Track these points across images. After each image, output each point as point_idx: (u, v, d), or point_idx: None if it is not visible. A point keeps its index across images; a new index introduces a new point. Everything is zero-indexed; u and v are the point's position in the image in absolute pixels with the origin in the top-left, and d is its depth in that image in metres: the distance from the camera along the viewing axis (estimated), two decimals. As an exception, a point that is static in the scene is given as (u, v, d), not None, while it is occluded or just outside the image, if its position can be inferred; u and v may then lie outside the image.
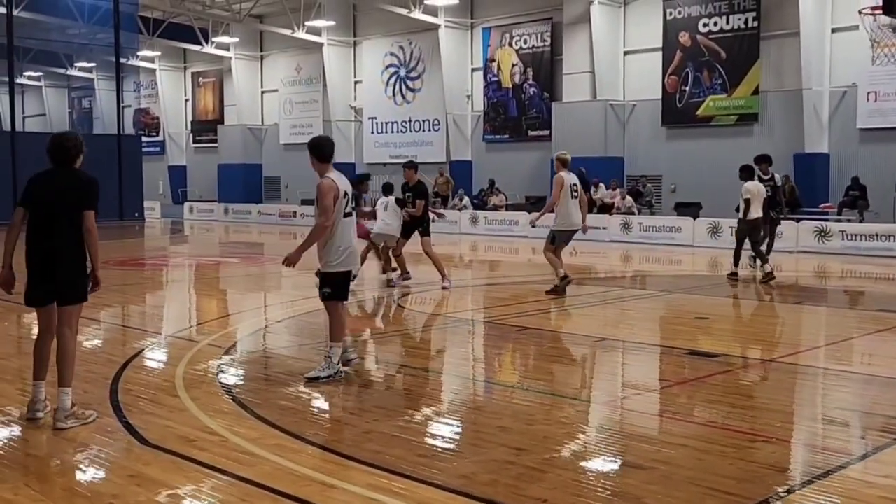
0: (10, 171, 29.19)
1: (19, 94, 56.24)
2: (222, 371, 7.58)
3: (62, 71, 49.63)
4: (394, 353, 8.67)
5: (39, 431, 5.73)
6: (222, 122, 42.38)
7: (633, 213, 24.77)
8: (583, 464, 5.26)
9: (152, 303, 13.32)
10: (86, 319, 6.10)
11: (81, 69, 48.69)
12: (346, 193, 7.15)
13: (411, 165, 13.60)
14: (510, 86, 30.65)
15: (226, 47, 39.55)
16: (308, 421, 6.18)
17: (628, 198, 25.67)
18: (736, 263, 14.24)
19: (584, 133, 27.28)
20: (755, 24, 24.78)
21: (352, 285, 7.75)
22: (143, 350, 8.63)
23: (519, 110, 30.54)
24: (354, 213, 7.41)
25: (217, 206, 37.41)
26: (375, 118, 35.33)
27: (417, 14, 30.38)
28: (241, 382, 7.33)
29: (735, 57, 25.20)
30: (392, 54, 34.47)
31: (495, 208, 28.17)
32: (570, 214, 12.13)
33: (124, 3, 34.79)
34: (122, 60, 36.64)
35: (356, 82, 36.49)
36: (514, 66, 30.46)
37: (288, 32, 34.77)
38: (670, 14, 26.46)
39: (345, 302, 7.46)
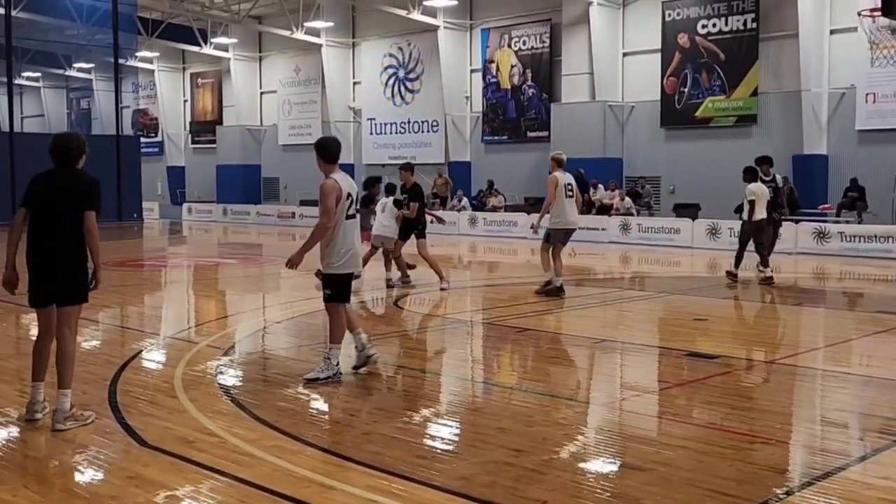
0: (9, 172, 29.18)
1: (18, 95, 56.16)
2: (221, 372, 7.57)
3: (60, 71, 49.60)
4: (393, 355, 8.66)
5: (38, 433, 5.73)
6: (221, 123, 42.37)
7: (631, 215, 24.77)
8: (582, 465, 5.25)
9: (151, 304, 13.31)
10: (84, 320, 6.09)
11: (80, 70, 48.66)
12: (349, 195, 7.11)
13: (407, 167, 13.60)
14: (509, 87, 30.65)
15: (224, 48, 39.55)
16: (307, 422, 6.17)
17: (627, 199, 25.67)
18: (737, 264, 14.22)
19: (583, 134, 27.28)
20: (754, 25, 24.79)
21: (354, 285, 7.72)
22: (142, 351, 8.63)
23: (518, 111, 30.54)
24: (359, 216, 7.36)
25: (216, 207, 37.39)
26: (374, 119, 35.33)
27: (416, 15, 30.38)
28: (240, 383, 7.32)
29: (734, 58, 25.21)
30: (391, 55, 34.46)
31: (494, 209, 28.17)
32: (565, 213, 12.18)
33: (123, 4, 34.78)
34: (121, 61, 36.62)
35: (355, 83, 36.49)
36: (512, 67, 30.46)
37: (287, 33, 34.76)
38: (669, 15, 26.47)
39: (347, 304, 7.42)
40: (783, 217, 15.51)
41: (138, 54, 41.82)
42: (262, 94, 40.82)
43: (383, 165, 32.83)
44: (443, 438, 5.79)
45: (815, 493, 4.65)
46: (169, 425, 5.85)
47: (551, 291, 12.20)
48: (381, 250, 13.53)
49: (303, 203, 34.36)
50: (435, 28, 31.24)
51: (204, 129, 43.77)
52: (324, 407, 6.61)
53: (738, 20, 25.09)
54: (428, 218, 13.78)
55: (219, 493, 4.67)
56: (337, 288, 7.18)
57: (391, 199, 13.39)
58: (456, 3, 29.80)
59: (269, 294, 14.35)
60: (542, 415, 6.30)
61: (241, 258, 20.47)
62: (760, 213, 13.88)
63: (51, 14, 37.33)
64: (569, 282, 13.20)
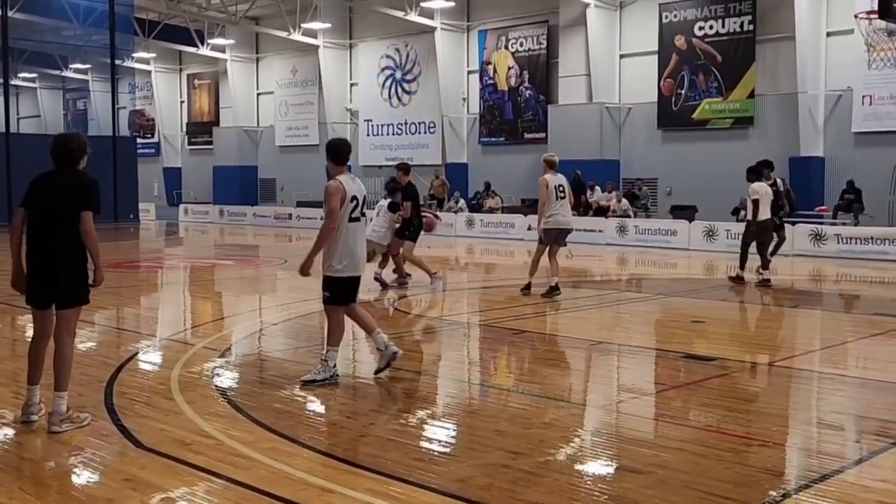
0: (5, 173, 29.17)
1: (14, 96, 56.16)
2: (217, 374, 7.56)
3: (57, 72, 49.54)
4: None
5: (34, 435, 5.71)
6: (218, 124, 42.35)
7: (628, 216, 24.79)
8: (579, 468, 5.25)
9: (147, 305, 13.28)
10: (80, 321, 6.07)
11: (76, 71, 48.61)
12: (354, 197, 7.07)
13: (401, 167, 13.61)
14: (506, 88, 30.66)
15: (221, 49, 39.53)
16: (304, 424, 6.16)
17: (624, 201, 25.68)
18: (742, 265, 14.18)
19: (580, 136, 27.31)
20: (751, 27, 24.82)
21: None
22: (138, 353, 8.61)
23: (515, 113, 30.55)
24: (363, 218, 7.32)
25: (212, 209, 37.37)
26: (371, 120, 35.32)
27: (413, 17, 30.38)
28: (237, 385, 7.31)
29: (731, 60, 25.24)
30: (388, 56, 34.47)
31: (491, 211, 28.18)
32: (557, 214, 12.25)
33: (119, 5, 34.74)
34: (118, 62, 36.62)
35: (352, 84, 36.48)
36: (509, 68, 30.47)
37: (284, 34, 34.75)
38: (666, 17, 26.49)
39: (356, 305, 7.36)
40: (784, 218, 15.51)
41: (135, 55, 41.80)
42: (258, 95, 40.80)
43: (380, 167, 32.84)
44: (440, 441, 5.78)
45: (812, 495, 4.65)
46: (165, 427, 5.83)
47: (525, 289, 12.45)
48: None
49: (299, 204, 34.37)
50: (432, 29, 31.24)
51: (200, 130, 43.74)
52: (321, 409, 6.60)
53: (734, 22, 25.12)
54: (423, 220, 13.71)
55: (215, 495, 4.66)
56: (336, 290, 7.14)
57: (387, 201, 13.37)
58: (453, 4, 29.80)
59: (266, 296, 14.32)
60: (540, 417, 6.29)
61: (238, 259, 20.45)
62: (765, 213, 13.86)
63: (47, 15, 37.30)
64: (565, 283, 13.20)
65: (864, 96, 22.84)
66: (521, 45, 30.14)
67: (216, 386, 7.11)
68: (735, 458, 5.29)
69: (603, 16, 27.29)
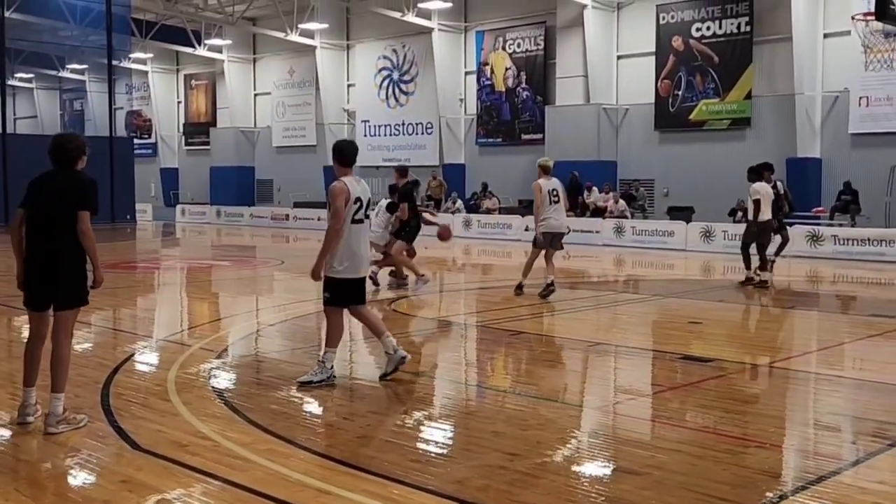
0: (2, 173, 29.13)
1: (10, 96, 56.02)
2: (214, 375, 7.55)
3: (54, 73, 49.48)
4: (385, 357, 8.63)
5: (30, 436, 5.69)
6: (215, 125, 42.31)
7: (625, 217, 24.80)
8: (576, 469, 5.25)
9: (144, 306, 13.26)
10: (77, 322, 6.05)
11: (73, 71, 48.55)
12: (358, 199, 7.05)
13: (399, 170, 13.68)
14: (503, 89, 30.67)
15: (218, 50, 39.50)
16: (301, 426, 6.15)
17: (621, 202, 25.70)
18: (748, 266, 14.15)
19: (578, 137, 27.32)
20: (748, 28, 24.84)
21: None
22: (135, 354, 8.60)
23: (512, 114, 30.55)
24: (367, 221, 7.28)
25: (209, 209, 37.35)
26: (368, 121, 35.31)
27: (411, 17, 30.39)
28: (234, 386, 7.30)
29: (728, 61, 25.27)
30: (385, 57, 34.46)
31: (488, 212, 28.19)
32: (550, 218, 12.35)
33: (117, 5, 34.71)
34: (115, 62, 36.56)
35: (349, 85, 36.46)
36: (507, 69, 30.48)
37: (281, 35, 34.73)
38: (663, 18, 26.51)
39: (362, 306, 7.31)
40: (784, 220, 15.51)
41: (132, 56, 41.77)
42: (255, 95, 40.77)
43: (377, 167, 32.82)
44: (437, 442, 5.78)
45: (809, 497, 4.65)
46: (162, 429, 5.82)
47: (518, 291, 12.54)
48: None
49: (296, 205, 34.39)
50: (429, 30, 31.24)
51: (198, 130, 43.70)
52: (318, 410, 6.59)
53: (731, 23, 25.15)
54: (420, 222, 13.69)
55: (212, 497, 4.66)
56: (336, 292, 7.11)
57: (387, 201, 13.38)
58: (450, 5, 29.79)
59: (263, 297, 14.31)
60: (537, 418, 6.29)
61: (235, 260, 20.44)
62: (766, 214, 13.85)
63: (44, 15, 37.26)
64: (562, 284, 13.20)
65: (860, 98, 22.86)
66: (519, 45, 30.15)
67: (213, 387, 7.10)
68: (732, 459, 5.29)
69: (600, 17, 27.31)
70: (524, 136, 30.16)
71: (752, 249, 14.21)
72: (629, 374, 8.29)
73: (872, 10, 18.41)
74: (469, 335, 10.34)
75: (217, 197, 39.43)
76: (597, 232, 23.89)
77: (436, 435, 5.95)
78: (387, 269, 13.64)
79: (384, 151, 34.26)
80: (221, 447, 5.44)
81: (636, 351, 9.14)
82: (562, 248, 12.86)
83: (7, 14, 32.69)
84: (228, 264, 19.35)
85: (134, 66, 43.95)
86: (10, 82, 52.01)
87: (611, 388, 7.69)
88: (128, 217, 33.95)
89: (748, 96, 25.03)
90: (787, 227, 15.82)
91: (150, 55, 43.10)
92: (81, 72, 48.14)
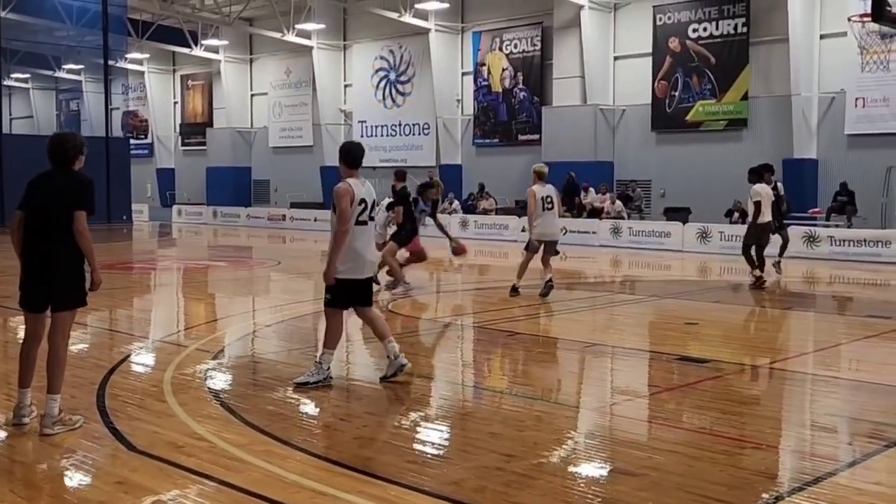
0: (-2, 174, 29.03)
1: (6, 97, 55.90)
2: (210, 376, 7.54)
3: (50, 73, 49.42)
4: (383, 359, 8.63)
5: (25, 437, 5.68)
6: (211, 125, 42.28)
7: (622, 218, 24.80)
8: (573, 470, 5.24)
9: (140, 307, 13.25)
10: (73, 323, 6.03)
11: (69, 71, 48.47)
12: (363, 200, 7.04)
13: (397, 173, 13.73)
14: (500, 90, 30.67)
15: (215, 50, 39.47)
16: (297, 427, 6.14)
17: (618, 202, 25.71)
18: (753, 268, 14.11)
19: (574, 137, 27.33)
20: (744, 29, 24.87)
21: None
22: (131, 355, 8.59)
23: (509, 114, 30.56)
24: (371, 223, 7.25)
25: (205, 210, 37.30)
26: (365, 122, 35.30)
27: (408, 18, 30.38)
28: (230, 387, 7.29)
29: (724, 62, 25.28)
30: (382, 58, 34.45)
31: (485, 212, 28.18)
32: (542, 225, 12.40)
33: (113, 6, 34.69)
34: (111, 63, 36.51)
35: (346, 86, 36.45)
36: (504, 70, 30.48)
37: (277, 35, 34.70)
38: (660, 19, 26.53)
39: (369, 308, 7.30)
40: (784, 221, 15.51)
41: (128, 56, 41.69)
42: (252, 96, 40.75)
43: (374, 168, 32.78)
44: (433, 443, 5.77)
45: (805, 498, 4.65)
46: (157, 430, 5.81)
47: (513, 291, 12.55)
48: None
49: (293, 206, 34.37)
50: (426, 31, 31.24)
51: (194, 131, 43.68)
52: (314, 411, 6.58)
53: (728, 24, 25.17)
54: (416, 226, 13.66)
55: (208, 498, 4.64)
56: (337, 293, 7.08)
57: (388, 201, 13.39)
58: (447, 6, 29.78)
59: (259, 297, 14.30)
60: (533, 419, 6.28)
61: (231, 261, 20.41)
62: (767, 216, 13.84)
63: (40, 15, 37.16)
64: (559, 285, 13.18)
65: (857, 99, 22.89)
66: (516, 46, 30.15)
67: (209, 388, 7.09)
68: (729, 460, 5.29)
69: (597, 17, 27.32)
70: (521, 137, 30.17)
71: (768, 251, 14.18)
72: (626, 375, 8.29)
73: (869, 11, 18.41)
74: (465, 336, 10.34)
75: (213, 197, 39.38)
76: (593, 233, 23.89)
77: (432, 436, 5.94)
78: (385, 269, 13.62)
79: (381, 152, 34.22)
80: (217, 448, 5.43)
81: (633, 352, 9.14)
82: (556, 252, 12.91)
83: (3, 14, 32.67)
84: (225, 265, 19.33)
85: (130, 66, 43.88)
86: (6, 82, 51.89)
87: (607, 389, 7.69)
88: (124, 218, 33.89)
89: (745, 97, 25.05)
90: (785, 229, 15.82)
91: (147, 55, 43.06)
92: (78, 72, 48.08)
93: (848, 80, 22.93)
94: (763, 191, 13.88)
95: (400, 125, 34.13)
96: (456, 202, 29.31)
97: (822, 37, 23.59)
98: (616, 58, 27.82)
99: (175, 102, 45.20)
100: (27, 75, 51.70)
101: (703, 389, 7.22)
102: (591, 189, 26.49)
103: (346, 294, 7.10)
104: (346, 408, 6.70)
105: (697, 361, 8.28)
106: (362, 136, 35.06)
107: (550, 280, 12.37)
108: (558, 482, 4.93)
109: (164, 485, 4.80)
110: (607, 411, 6.73)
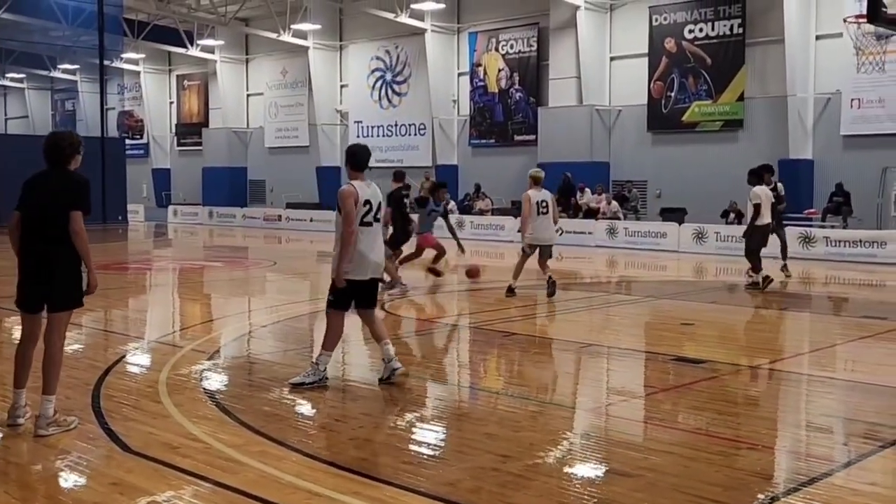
0: (-7, 173, 28.92)
1: (2, 97, 56.01)
2: (206, 377, 7.52)
3: (45, 73, 49.30)
4: (379, 359, 8.62)
5: (20, 438, 5.66)
6: (207, 126, 42.23)
7: (618, 219, 24.83)
8: (568, 471, 5.24)
9: (135, 307, 13.22)
10: (69, 324, 6.02)
11: (65, 71, 48.38)
12: (367, 202, 7.04)
13: (395, 175, 13.74)
14: (496, 90, 30.68)
15: (211, 50, 39.42)
16: (293, 427, 6.13)
17: (614, 203, 25.74)
18: (756, 269, 14.09)
19: (570, 138, 27.35)
20: (740, 30, 24.91)
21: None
22: (126, 355, 8.57)
23: (505, 115, 30.57)
24: (376, 224, 7.21)
25: (201, 210, 37.28)
26: (361, 122, 35.28)
27: (404, 18, 30.38)
28: (225, 388, 7.27)
29: (720, 63, 25.32)
30: (378, 58, 34.44)
31: (481, 213, 28.20)
32: (536, 230, 12.45)
33: (108, 6, 34.62)
34: (106, 63, 36.48)
35: (342, 86, 36.42)
36: (500, 70, 30.49)
37: (273, 36, 34.68)
38: (656, 20, 26.55)
39: (371, 309, 7.28)
40: (784, 221, 15.51)
41: (124, 56, 41.65)
42: (248, 96, 40.70)
43: (370, 168, 32.73)
44: (429, 444, 5.76)
45: (800, 498, 4.66)
46: (153, 430, 5.80)
47: (510, 292, 12.60)
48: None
49: (289, 206, 34.34)
50: (422, 31, 31.23)
51: (190, 131, 43.62)
52: (310, 412, 6.57)
53: (724, 25, 25.20)
54: (409, 228, 13.64)
55: (203, 499, 4.64)
56: (339, 294, 7.06)
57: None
58: (443, 6, 29.80)
59: (255, 298, 14.28)
60: (529, 420, 6.28)
61: (227, 261, 20.39)
62: (766, 217, 13.83)
63: (35, 15, 37.13)
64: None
65: (852, 99, 22.94)
66: (512, 47, 30.16)
67: (204, 389, 7.08)
68: (724, 461, 5.29)
69: (593, 18, 27.34)
70: (517, 138, 30.18)
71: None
72: (621, 376, 8.29)
73: (864, 12, 18.43)
74: (461, 336, 10.34)
75: (209, 197, 39.34)
76: (589, 233, 23.91)
77: (428, 437, 5.93)
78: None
79: (377, 152, 33.89)
80: (213, 449, 5.42)
81: (628, 352, 9.14)
82: (551, 256, 12.93)
83: (-2, 14, 32.61)
84: (221, 265, 19.31)
85: (126, 66, 43.83)
86: (1, 82, 51.98)
87: (603, 390, 7.69)
88: (119, 218, 33.86)
89: (741, 98, 25.09)
90: (784, 228, 15.82)
91: (143, 55, 43.00)
92: (73, 72, 47.98)
93: (843, 80, 22.98)
94: (762, 193, 13.88)
95: (396, 125, 34.12)
96: (452, 203, 29.27)
97: (817, 38, 23.64)
98: (612, 58, 27.84)
99: (171, 102, 45.13)
100: (23, 75, 51.60)
101: (698, 390, 7.23)
102: (587, 189, 26.51)
103: (349, 295, 7.09)
104: (342, 408, 6.69)
105: (693, 362, 8.28)
106: (358, 137, 35.04)
107: (551, 278, 12.41)
108: (554, 483, 4.93)
109: (160, 486, 4.79)
110: (603, 412, 6.73)
